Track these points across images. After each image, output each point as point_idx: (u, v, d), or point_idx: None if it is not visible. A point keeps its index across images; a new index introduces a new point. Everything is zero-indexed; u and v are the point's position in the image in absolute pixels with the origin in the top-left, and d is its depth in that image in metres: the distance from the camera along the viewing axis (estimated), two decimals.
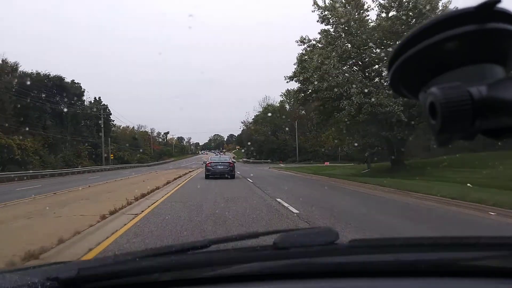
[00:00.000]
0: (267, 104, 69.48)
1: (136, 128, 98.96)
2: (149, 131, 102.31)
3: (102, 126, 54.19)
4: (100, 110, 57.20)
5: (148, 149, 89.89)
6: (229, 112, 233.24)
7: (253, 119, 70.77)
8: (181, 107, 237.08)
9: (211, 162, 20.78)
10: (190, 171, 31.33)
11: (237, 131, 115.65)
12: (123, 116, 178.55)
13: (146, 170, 40.72)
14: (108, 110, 69.52)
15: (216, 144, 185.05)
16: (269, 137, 61.32)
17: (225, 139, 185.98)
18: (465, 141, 0.50)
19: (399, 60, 0.52)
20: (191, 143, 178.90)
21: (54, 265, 1.29)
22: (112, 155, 49.45)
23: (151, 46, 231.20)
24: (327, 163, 42.56)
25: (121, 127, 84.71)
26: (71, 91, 53.14)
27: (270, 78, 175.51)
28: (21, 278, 1.01)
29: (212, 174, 19.74)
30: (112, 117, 71.30)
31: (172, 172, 30.53)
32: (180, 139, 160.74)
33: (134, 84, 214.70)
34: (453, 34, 0.47)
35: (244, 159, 77.84)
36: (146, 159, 78.88)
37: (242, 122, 70.85)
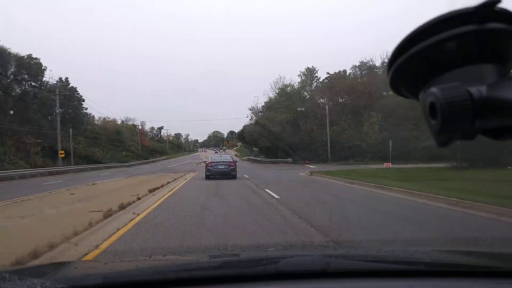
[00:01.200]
0: (283, 84, 53.09)
1: (124, 120, 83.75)
2: (138, 125, 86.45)
3: (57, 111, 38.88)
4: (56, 90, 41.28)
5: (136, 145, 74.78)
6: (229, 109, 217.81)
7: (263, 106, 54.63)
8: (180, 103, 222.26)
9: (211, 162, 20.26)
10: (167, 183, 16.12)
11: (237, 128, 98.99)
12: (112, 110, 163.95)
13: (103, 177, 25.26)
14: (79, 95, 54.50)
15: (215, 141, 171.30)
16: (286, 128, 45.10)
17: (225, 136, 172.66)
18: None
19: (399, 60, 0.51)
20: (190, 140, 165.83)
21: (54, 266, 1.33)
22: (62, 152, 34.13)
23: (150, 45, 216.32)
24: (388, 165, 27.47)
25: (100, 119, 69.67)
26: (10, 62, 37.56)
27: (271, 71, 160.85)
28: (21, 279, 0.98)
29: (212, 174, 19.36)
30: (86, 105, 56.45)
31: (124, 187, 15.17)
32: (178, 135, 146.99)
33: (130, 79, 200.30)
34: (453, 34, 0.46)
35: (250, 157, 62.01)
36: (131, 156, 63.99)
37: (250, 109, 54.68)
